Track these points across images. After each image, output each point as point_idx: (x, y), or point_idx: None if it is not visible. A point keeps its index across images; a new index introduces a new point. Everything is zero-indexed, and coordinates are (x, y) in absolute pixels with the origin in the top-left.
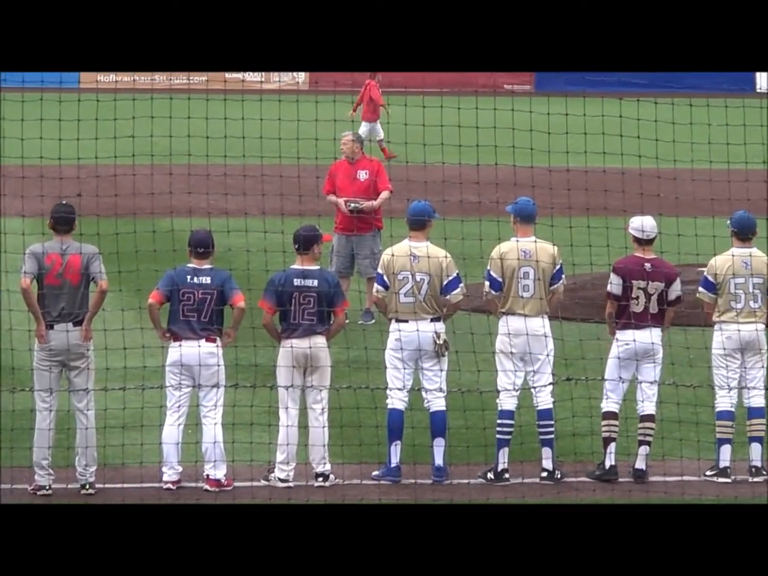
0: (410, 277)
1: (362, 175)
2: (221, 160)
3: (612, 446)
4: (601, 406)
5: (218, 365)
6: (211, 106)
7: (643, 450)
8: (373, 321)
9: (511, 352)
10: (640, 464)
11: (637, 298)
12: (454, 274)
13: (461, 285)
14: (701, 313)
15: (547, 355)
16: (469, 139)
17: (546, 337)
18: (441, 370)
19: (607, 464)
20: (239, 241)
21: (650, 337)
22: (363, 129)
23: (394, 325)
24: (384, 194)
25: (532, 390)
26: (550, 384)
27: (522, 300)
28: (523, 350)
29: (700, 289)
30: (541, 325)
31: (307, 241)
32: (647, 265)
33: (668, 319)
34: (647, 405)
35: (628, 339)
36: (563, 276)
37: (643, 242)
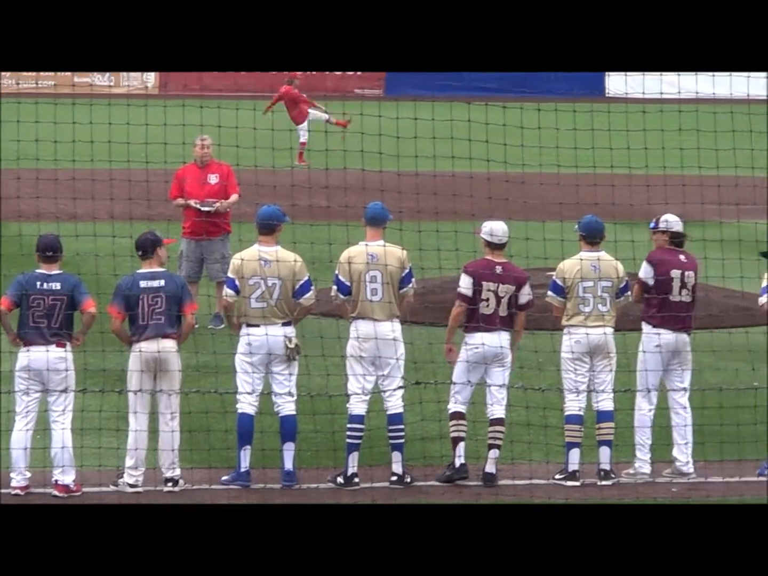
0: (262, 281)
1: (213, 179)
2: (70, 165)
3: (461, 446)
4: (448, 407)
5: (67, 370)
6: (59, 110)
7: (493, 453)
8: (223, 325)
9: (361, 356)
10: (489, 468)
11: (488, 300)
12: (306, 278)
13: (313, 288)
14: (550, 316)
15: (398, 360)
16: (318, 143)
17: (396, 341)
18: (291, 375)
19: (457, 463)
20: (88, 245)
21: (499, 340)
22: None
23: (244, 330)
24: (233, 197)
25: (383, 394)
26: (400, 388)
27: (371, 304)
28: (374, 354)
29: (549, 292)
30: (390, 329)
31: (151, 243)
32: (498, 268)
33: (520, 325)
34: (496, 408)
35: (477, 342)
36: (413, 279)
37: (494, 246)
